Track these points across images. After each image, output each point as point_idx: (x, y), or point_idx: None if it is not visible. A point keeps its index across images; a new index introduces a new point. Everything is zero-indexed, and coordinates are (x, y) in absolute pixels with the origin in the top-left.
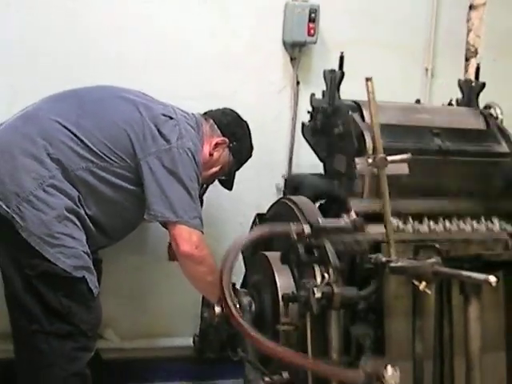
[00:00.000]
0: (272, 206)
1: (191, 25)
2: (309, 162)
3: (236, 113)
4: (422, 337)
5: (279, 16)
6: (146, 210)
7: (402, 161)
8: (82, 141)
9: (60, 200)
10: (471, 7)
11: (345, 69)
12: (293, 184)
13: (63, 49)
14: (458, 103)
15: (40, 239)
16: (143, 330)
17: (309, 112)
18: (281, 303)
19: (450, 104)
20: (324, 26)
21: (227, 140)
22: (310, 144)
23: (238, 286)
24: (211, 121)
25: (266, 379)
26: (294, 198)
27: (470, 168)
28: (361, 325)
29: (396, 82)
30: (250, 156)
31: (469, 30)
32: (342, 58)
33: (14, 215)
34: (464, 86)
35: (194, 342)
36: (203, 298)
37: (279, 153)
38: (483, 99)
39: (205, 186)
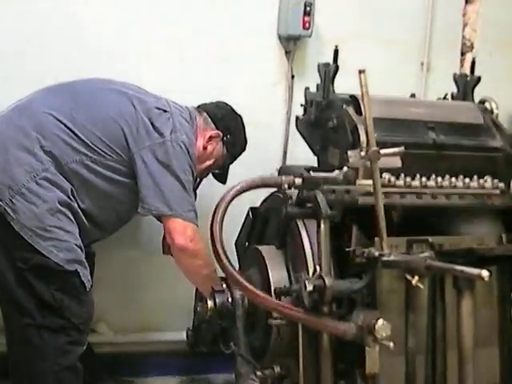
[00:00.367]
0: (265, 200)
1: (185, 18)
2: (303, 156)
3: (230, 106)
4: (415, 332)
5: (274, 9)
6: (140, 204)
7: (394, 154)
8: (75, 134)
9: (53, 193)
10: (467, 1)
11: (340, 63)
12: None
13: (57, 40)
14: (453, 97)
15: (32, 232)
16: (136, 324)
17: (302, 105)
18: (273, 297)
19: (444, 98)
20: (319, 19)
21: (221, 133)
22: (303, 137)
23: None
24: (205, 114)
25: (258, 373)
26: (287, 191)
27: (464, 162)
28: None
29: (391, 76)
30: (244, 150)
31: (465, 24)
32: (336, 52)
33: (6, 208)
34: (459, 80)
35: (187, 336)
36: (196, 291)
37: (273, 146)
38: (479, 94)
39: (198, 179)
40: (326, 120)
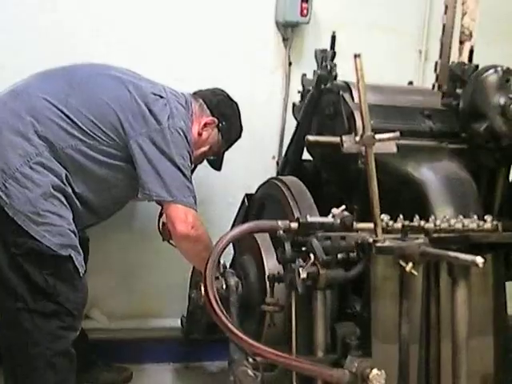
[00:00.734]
0: (261, 187)
1: (182, 4)
2: None
3: (226, 93)
4: (409, 319)
5: None
6: (141, 190)
7: (390, 139)
8: (70, 118)
9: (46, 177)
10: None
11: (337, 50)
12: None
13: (52, 26)
14: None
15: (26, 217)
16: (130, 311)
17: (299, 92)
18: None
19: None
20: (317, 6)
21: (216, 120)
22: None
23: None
24: (201, 100)
25: (251, 360)
26: (283, 178)
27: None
28: (346, 323)
29: (389, 64)
30: (239, 137)
31: (463, 13)
32: (333, 38)
33: None
34: (456, 68)
35: (181, 323)
36: (191, 279)
37: (270, 133)
38: None
39: (193, 165)
40: (323, 106)
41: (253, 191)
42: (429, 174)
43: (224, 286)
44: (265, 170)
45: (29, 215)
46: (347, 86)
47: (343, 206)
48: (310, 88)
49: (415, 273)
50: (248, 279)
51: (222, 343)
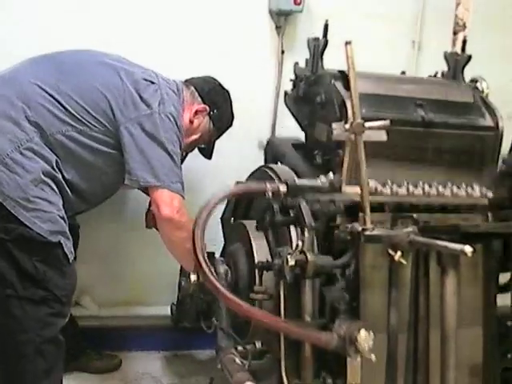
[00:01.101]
0: (252, 174)
1: None
2: (292, 132)
3: (217, 81)
4: (398, 309)
5: None
6: (127, 175)
7: (379, 127)
8: (61, 104)
9: (37, 163)
10: None
11: (331, 39)
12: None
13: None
14: (444, 76)
15: (16, 203)
16: (121, 298)
17: (291, 80)
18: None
19: (435, 76)
20: None
21: (208, 108)
22: (291, 113)
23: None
24: (192, 88)
25: (239, 348)
26: (273, 166)
27: (452, 140)
28: (335, 287)
29: (382, 53)
30: (231, 125)
31: (458, 4)
32: (326, 26)
33: None
34: (450, 58)
35: (171, 311)
36: (181, 266)
37: (262, 122)
38: (471, 73)
39: (184, 153)
40: (315, 95)
41: (244, 179)
42: None
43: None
44: (256, 158)
45: (19, 201)
46: (339, 74)
47: (331, 173)
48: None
49: (404, 261)
50: (237, 267)
51: (211, 332)
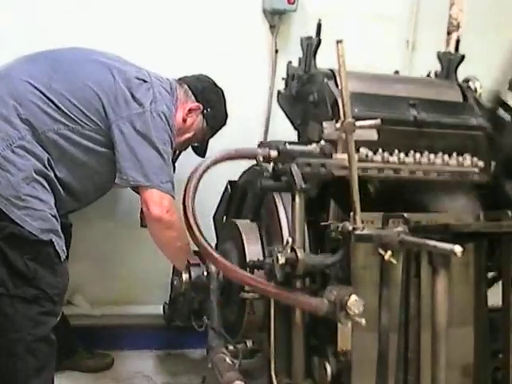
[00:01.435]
0: (244, 173)
1: None
2: (285, 131)
3: (211, 79)
4: (389, 308)
5: None
6: (118, 174)
7: (370, 126)
8: (53, 102)
9: (28, 161)
10: None
11: (324, 38)
12: None
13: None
14: (437, 75)
15: (7, 201)
16: (113, 297)
17: (283, 79)
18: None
19: (428, 76)
20: None
21: (201, 106)
22: (284, 112)
23: None
24: (185, 86)
25: (230, 347)
26: (266, 164)
27: (445, 140)
28: (326, 255)
29: (376, 53)
30: (224, 124)
31: (452, 4)
32: (319, 26)
33: None
34: (443, 58)
35: (163, 310)
36: (174, 266)
37: (256, 121)
38: (465, 73)
39: (177, 152)
40: (307, 94)
41: (236, 178)
42: None
43: (205, 273)
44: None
45: (10, 199)
46: (332, 74)
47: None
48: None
49: (394, 261)
50: None
51: (204, 331)
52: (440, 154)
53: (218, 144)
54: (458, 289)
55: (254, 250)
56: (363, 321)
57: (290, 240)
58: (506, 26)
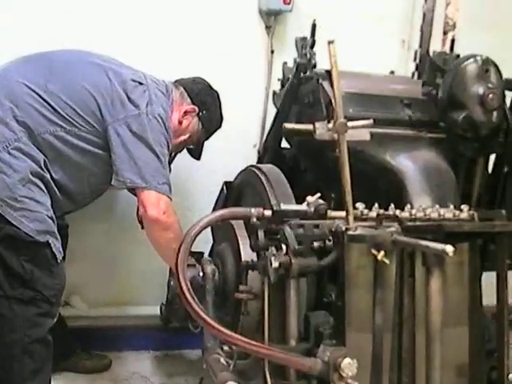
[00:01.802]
0: (239, 174)
1: None
2: None
3: (207, 82)
4: (383, 308)
5: None
6: (114, 176)
7: (363, 127)
8: (49, 104)
9: (25, 163)
10: None
11: (320, 38)
12: None
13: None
14: None
15: (3, 202)
16: (110, 298)
17: (279, 80)
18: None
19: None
20: None
21: (197, 108)
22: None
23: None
24: (181, 88)
25: (225, 348)
26: (261, 166)
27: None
28: (320, 312)
29: (372, 52)
30: (220, 126)
31: (447, 3)
32: (314, 26)
33: None
34: (437, 58)
35: (160, 310)
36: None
37: (252, 122)
38: None
39: (173, 154)
40: (302, 95)
41: (231, 179)
42: (407, 163)
43: (201, 274)
44: (246, 159)
45: (6, 200)
46: (326, 74)
47: (318, 194)
48: (290, 76)
49: (387, 261)
50: (225, 267)
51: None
52: (436, 206)
53: (213, 144)
54: (452, 289)
55: (249, 251)
56: None
57: (284, 246)
58: (499, 26)
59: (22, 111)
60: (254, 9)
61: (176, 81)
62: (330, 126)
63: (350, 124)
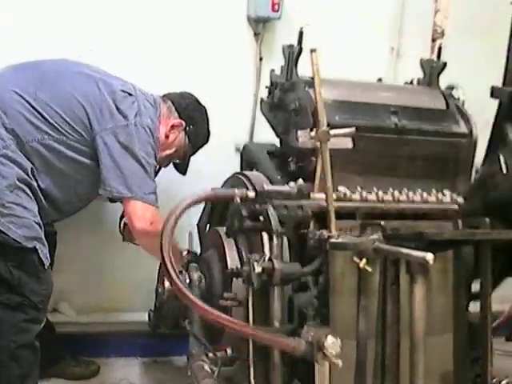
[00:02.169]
0: (226, 181)
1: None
2: (270, 139)
3: (194, 97)
4: (367, 316)
5: None
6: (102, 186)
7: (345, 135)
8: (38, 112)
9: (11, 169)
10: None
11: (308, 46)
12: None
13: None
14: (419, 83)
15: None
16: (99, 305)
17: (267, 87)
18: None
19: (410, 83)
20: (288, 2)
21: (184, 123)
22: (267, 119)
23: None
24: (169, 102)
25: (210, 355)
26: (247, 173)
27: (426, 147)
28: (303, 293)
29: (361, 60)
30: (207, 141)
31: (436, 11)
32: (301, 34)
33: None
34: (425, 65)
35: (148, 317)
36: (159, 273)
37: (240, 129)
38: (448, 80)
39: (157, 167)
40: (289, 102)
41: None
42: None
43: (187, 280)
44: (234, 165)
45: None
46: (313, 82)
47: (300, 180)
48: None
49: (369, 269)
50: (211, 274)
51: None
52: (419, 190)
53: (201, 151)
54: (437, 296)
55: (235, 258)
56: (340, 362)
57: (268, 252)
58: (489, 33)
59: (11, 119)
60: (243, 16)
61: (164, 95)
62: (313, 134)
63: (332, 132)
